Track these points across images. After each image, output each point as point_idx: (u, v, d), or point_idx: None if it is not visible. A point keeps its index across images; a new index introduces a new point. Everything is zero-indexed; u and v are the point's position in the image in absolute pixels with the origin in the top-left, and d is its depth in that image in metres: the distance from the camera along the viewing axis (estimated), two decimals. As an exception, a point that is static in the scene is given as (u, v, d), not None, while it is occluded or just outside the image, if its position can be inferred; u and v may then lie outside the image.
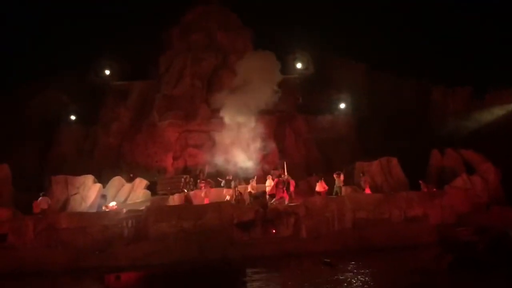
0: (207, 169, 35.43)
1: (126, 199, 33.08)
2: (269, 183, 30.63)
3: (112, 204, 31.05)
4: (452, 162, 33.55)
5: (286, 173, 31.71)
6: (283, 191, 29.56)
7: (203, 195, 31.05)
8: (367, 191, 30.40)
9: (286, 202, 29.15)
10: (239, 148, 36.53)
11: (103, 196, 32.43)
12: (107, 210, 29.88)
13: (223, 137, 36.96)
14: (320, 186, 30.92)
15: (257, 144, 36.19)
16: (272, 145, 36.81)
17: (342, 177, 30.96)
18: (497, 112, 36.97)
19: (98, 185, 33.08)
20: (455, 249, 20.83)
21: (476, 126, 37.11)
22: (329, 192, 30.69)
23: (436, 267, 19.48)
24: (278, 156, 37.07)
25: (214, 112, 37.88)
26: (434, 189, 30.74)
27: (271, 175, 31.88)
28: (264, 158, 36.68)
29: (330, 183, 31.26)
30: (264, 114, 37.07)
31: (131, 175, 34.56)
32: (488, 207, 29.59)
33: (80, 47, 44.63)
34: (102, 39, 43.44)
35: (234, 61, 39.92)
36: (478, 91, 39.49)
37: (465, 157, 33.44)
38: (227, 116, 36.36)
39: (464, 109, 39.16)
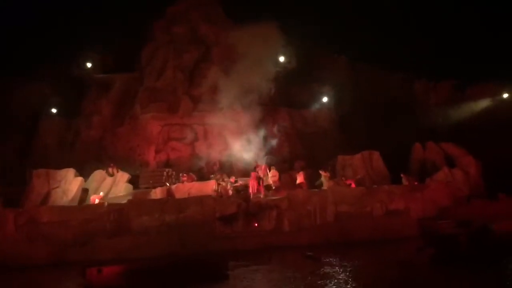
0: (219, 165, 35.25)
1: (108, 193, 32.90)
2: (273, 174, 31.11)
3: (100, 194, 31.09)
4: (433, 156, 33.80)
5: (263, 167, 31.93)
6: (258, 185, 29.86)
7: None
8: (353, 185, 30.63)
9: (261, 195, 29.29)
10: (224, 142, 36.61)
11: (85, 190, 32.35)
12: (95, 200, 29.90)
13: (209, 129, 37.17)
14: (300, 178, 31.14)
15: (242, 138, 36.21)
16: (256, 139, 36.76)
17: (327, 172, 31.23)
18: (478, 105, 37.32)
19: (80, 178, 32.84)
20: (436, 242, 20.96)
21: (457, 119, 37.40)
22: (311, 185, 30.86)
23: (417, 260, 19.66)
24: (261, 149, 37.03)
25: (197, 105, 37.84)
26: (416, 183, 30.97)
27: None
28: (248, 152, 36.61)
29: (313, 177, 31.50)
30: (248, 107, 37.04)
31: (111, 164, 34.22)
32: (469, 200, 29.84)
33: (62, 40, 44.32)
34: (84, 32, 43.21)
35: (217, 54, 39.86)
36: (460, 84, 39.80)
37: (446, 150, 33.71)
38: (215, 107, 36.44)
39: (446, 102, 39.44)
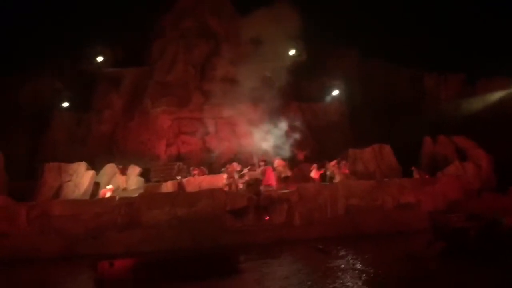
0: (256, 158, 35.17)
1: (119, 186, 33.04)
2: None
3: (109, 186, 31.18)
4: (444, 149, 33.63)
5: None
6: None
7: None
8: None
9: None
10: (235, 136, 36.70)
11: (96, 184, 32.49)
12: (106, 193, 30.06)
13: (220, 123, 37.29)
14: (314, 173, 31.15)
15: (252, 133, 36.25)
16: (264, 134, 36.73)
17: (336, 165, 31.24)
18: (488, 99, 37.14)
19: (91, 172, 32.97)
20: (446, 235, 20.94)
21: (468, 113, 37.24)
22: (323, 179, 30.92)
23: (427, 253, 19.64)
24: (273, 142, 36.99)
25: (207, 99, 37.90)
26: (427, 176, 30.87)
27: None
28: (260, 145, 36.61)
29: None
30: (259, 101, 37.07)
31: (119, 167, 34.29)
32: (479, 194, 29.74)
33: (72, 34, 44.34)
34: (94, 26, 43.15)
35: (227, 48, 39.86)
36: (470, 78, 39.65)
37: (457, 143, 33.54)
38: (226, 101, 36.54)
39: (456, 96, 39.30)
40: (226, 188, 29.52)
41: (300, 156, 35.03)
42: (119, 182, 33.36)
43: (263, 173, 30.59)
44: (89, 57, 42.40)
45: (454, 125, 35.59)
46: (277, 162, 32.19)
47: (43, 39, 44.24)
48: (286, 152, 34.81)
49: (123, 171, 33.87)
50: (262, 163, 31.93)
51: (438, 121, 37.20)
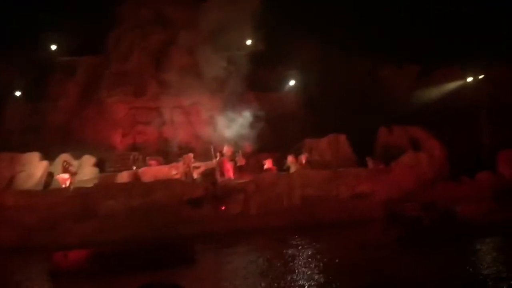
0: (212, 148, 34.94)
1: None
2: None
3: (64, 175, 30.71)
4: (398, 139, 34.08)
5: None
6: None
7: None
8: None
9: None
10: (191, 126, 36.62)
11: (50, 174, 32.04)
12: (65, 180, 29.70)
13: (176, 113, 37.11)
14: (268, 164, 31.27)
15: (208, 123, 36.23)
16: (222, 123, 36.71)
17: (295, 158, 31.43)
18: (443, 89, 37.80)
19: (45, 162, 32.49)
20: (401, 224, 21.34)
21: (423, 103, 37.81)
22: (279, 169, 31.05)
23: (383, 241, 19.96)
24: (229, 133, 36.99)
25: (164, 89, 37.65)
26: (381, 166, 31.26)
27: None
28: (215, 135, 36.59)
29: (281, 161, 31.69)
30: (215, 90, 37.04)
31: (64, 161, 33.32)
32: (433, 183, 30.25)
33: (26, 22, 43.51)
34: (49, 13, 42.46)
35: (184, 36, 39.57)
36: (425, 69, 40.24)
37: (411, 133, 34.04)
38: (182, 90, 36.36)
39: (412, 86, 39.85)
40: (180, 177, 29.45)
41: (248, 148, 34.83)
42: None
43: (220, 164, 30.60)
44: (44, 46, 41.75)
45: (409, 115, 36.08)
46: (226, 149, 32.21)
47: (-5, 26, 43.37)
48: (242, 142, 34.86)
49: (65, 170, 31.39)
50: (218, 154, 31.88)
51: (393, 111, 37.65)
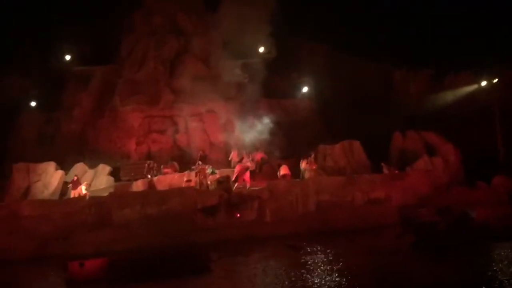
0: (203, 154, 34.94)
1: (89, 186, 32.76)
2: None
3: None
4: (413, 144, 33.97)
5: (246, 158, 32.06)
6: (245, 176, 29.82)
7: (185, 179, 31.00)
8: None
9: (248, 186, 29.31)
10: (205, 134, 36.69)
11: (66, 183, 32.17)
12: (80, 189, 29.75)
13: (190, 121, 37.22)
14: (283, 170, 31.16)
15: (222, 130, 36.31)
16: (237, 131, 36.73)
17: (306, 162, 31.32)
18: (456, 94, 37.65)
19: (60, 171, 32.70)
20: (416, 229, 21.21)
21: (436, 108, 37.66)
22: (294, 176, 30.96)
23: (397, 247, 19.87)
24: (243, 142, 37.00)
25: (177, 97, 37.76)
26: (396, 171, 31.15)
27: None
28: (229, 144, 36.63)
29: (295, 167, 31.62)
30: (229, 98, 37.13)
31: (74, 179, 33.02)
32: (448, 188, 30.09)
33: (40, 32, 43.84)
34: (63, 24, 42.70)
35: (197, 45, 39.72)
36: (438, 74, 40.13)
37: (426, 139, 33.92)
38: (196, 99, 36.47)
39: (425, 91, 39.73)
40: (193, 184, 29.45)
41: (258, 156, 34.58)
42: (89, 178, 32.97)
43: (201, 171, 30.44)
44: (58, 56, 42.04)
45: (423, 120, 35.98)
46: (232, 154, 32.82)
47: (10, 37, 43.69)
48: (256, 148, 34.94)
49: (75, 185, 30.65)
50: (198, 162, 31.69)
51: (407, 116, 37.56)
